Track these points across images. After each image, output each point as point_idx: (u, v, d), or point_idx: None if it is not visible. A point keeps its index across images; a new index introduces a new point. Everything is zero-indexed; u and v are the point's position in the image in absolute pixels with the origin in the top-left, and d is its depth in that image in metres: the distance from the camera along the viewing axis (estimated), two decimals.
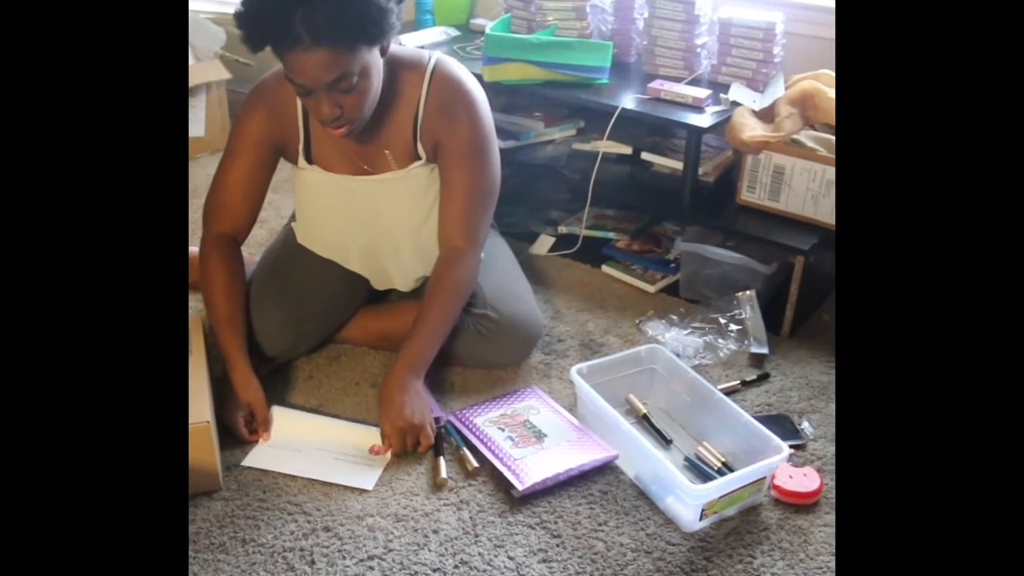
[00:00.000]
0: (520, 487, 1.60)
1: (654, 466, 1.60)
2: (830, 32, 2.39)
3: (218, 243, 1.84)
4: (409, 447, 1.69)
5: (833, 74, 2.25)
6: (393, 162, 1.82)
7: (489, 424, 1.76)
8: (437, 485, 1.64)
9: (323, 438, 1.74)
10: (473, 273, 1.85)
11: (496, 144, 1.84)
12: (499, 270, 2.01)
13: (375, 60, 1.62)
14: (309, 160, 1.84)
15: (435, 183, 1.85)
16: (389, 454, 1.70)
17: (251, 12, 1.52)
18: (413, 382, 1.74)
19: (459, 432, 1.75)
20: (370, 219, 1.88)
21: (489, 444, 1.70)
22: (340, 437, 1.75)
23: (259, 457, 1.69)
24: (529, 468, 1.63)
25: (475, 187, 1.81)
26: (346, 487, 1.63)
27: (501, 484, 1.64)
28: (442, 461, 1.67)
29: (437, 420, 1.76)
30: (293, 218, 2.03)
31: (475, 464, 1.67)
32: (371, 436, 1.74)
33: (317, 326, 1.94)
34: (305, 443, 1.72)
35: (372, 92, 1.64)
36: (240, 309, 1.83)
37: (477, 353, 1.92)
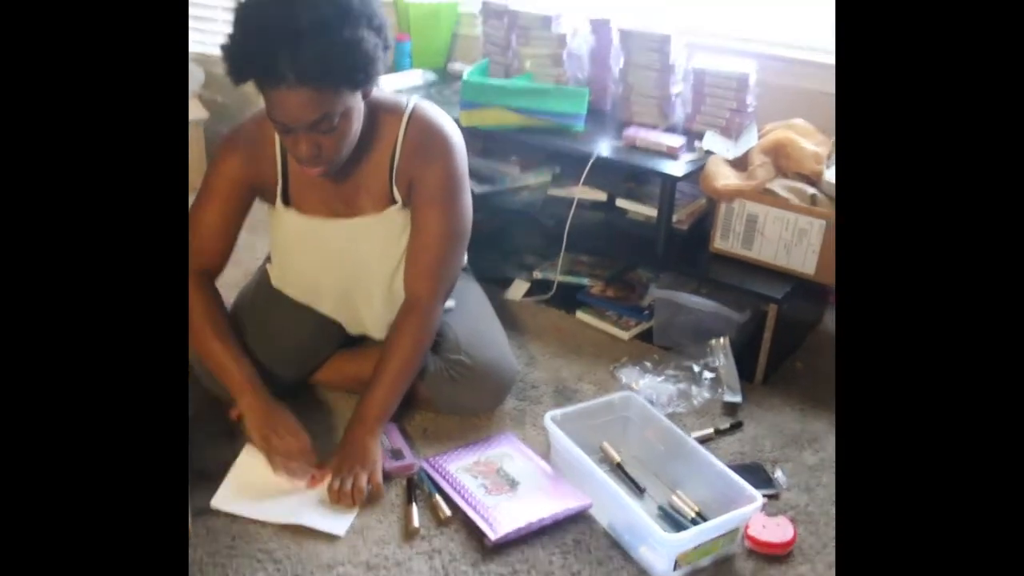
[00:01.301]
0: (493, 536, 1.59)
1: (627, 515, 1.59)
2: (803, 82, 2.43)
3: (195, 279, 1.82)
4: (344, 481, 1.66)
5: (806, 123, 2.28)
6: (369, 205, 1.82)
7: (462, 471, 1.75)
8: (409, 533, 1.62)
9: (294, 482, 1.72)
10: (434, 324, 1.84)
11: (468, 189, 1.84)
12: (473, 315, 2.01)
13: (357, 103, 1.62)
14: (286, 202, 1.83)
15: (409, 228, 1.85)
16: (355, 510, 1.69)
17: (239, 47, 1.52)
18: (368, 440, 1.73)
19: (432, 479, 1.74)
20: (345, 263, 1.87)
21: (462, 492, 1.69)
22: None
23: (228, 500, 1.67)
24: (502, 516, 1.62)
25: (444, 232, 1.81)
26: (317, 535, 1.61)
27: (474, 533, 1.62)
28: (414, 509, 1.66)
29: (410, 467, 1.75)
30: (268, 259, 2.02)
31: (447, 512, 1.66)
32: None
33: (291, 369, 1.92)
34: (276, 487, 1.70)
35: (351, 134, 1.64)
36: (237, 341, 1.81)
37: (450, 398, 1.91)
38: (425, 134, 1.77)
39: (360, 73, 1.54)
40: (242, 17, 1.53)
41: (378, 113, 1.75)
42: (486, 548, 1.59)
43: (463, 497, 1.68)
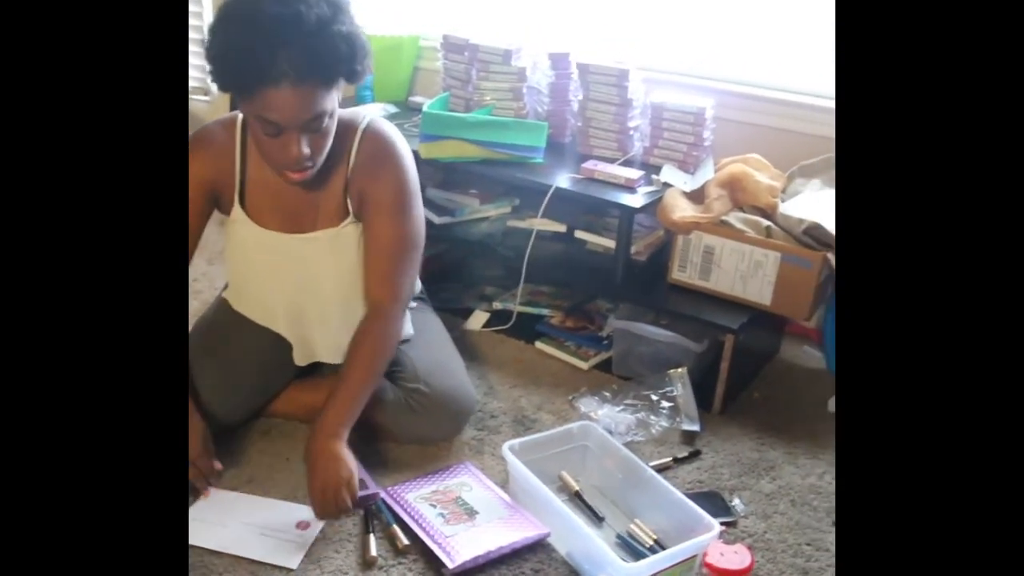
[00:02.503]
0: (451, 565, 1.58)
1: (586, 544, 1.59)
2: (758, 118, 2.48)
3: None
4: (331, 506, 1.64)
5: (760, 158, 2.32)
6: (324, 221, 1.82)
7: (421, 500, 1.74)
8: (367, 563, 1.61)
9: (249, 514, 1.70)
10: (397, 330, 1.83)
11: (420, 202, 1.84)
12: (431, 344, 2.01)
13: (336, 103, 1.64)
14: (243, 207, 1.81)
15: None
16: (317, 530, 1.67)
17: (231, 49, 1.52)
18: (333, 445, 1.69)
19: (390, 509, 1.73)
20: (299, 279, 1.86)
21: (420, 521, 1.68)
22: (266, 514, 1.71)
23: None
24: (460, 546, 1.61)
25: (399, 238, 1.80)
26: (273, 566, 1.59)
27: (432, 562, 1.61)
28: (372, 539, 1.65)
29: (370, 497, 1.74)
30: (225, 287, 2.01)
31: (405, 542, 1.65)
32: (298, 513, 1.71)
33: (249, 394, 1.91)
34: (230, 519, 1.69)
35: (332, 135, 1.66)
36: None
37: (409, 428, 1.91)
38: (376, 147, 1.79)
39: (358, 65, 1.59)
40: (231, 19, 1.53)
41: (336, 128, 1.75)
42: None
43: (421, 526, 1.67)
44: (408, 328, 1.97)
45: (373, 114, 1.84)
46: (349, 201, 1.80)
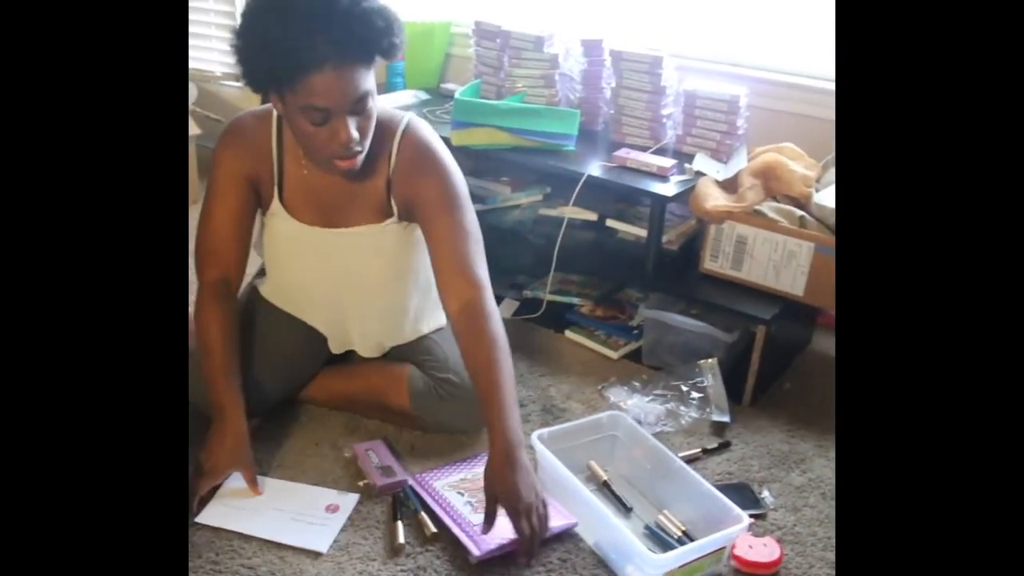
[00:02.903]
0: (477, 552, 1.58)
1: (614, 534, 1.59)
2: (792, 106, 2.45)
3: (213, 292, 1.79)
4: (527, 529, 1.52)
5: (794, 147, 2.30)
6: (364, 216, 1.81)
7: (448, 488, 1.74)
8: (394, 550, 1.61)
9: (279, 498, 1.72)
10: (498, 314, 1.74)
11: (470, 201, 1.82)
12: None
13: (375, 85, 1.64)
14: (281, 201, 1.81)
15: (407, 243, 1.85)
16: (346, 514, 1.68)
17: (269, 42, 1.52)
18: (521, 456, 1.58)
19: (418, 496, 1.73)
20: (338, 274, 1.87)
21: (447, 509, 1.69)
22: (296, 498, 1.73)
23: (213, 515, 1.66)
24: (487, 534, 1.61)
25: (463, 229, 1.77)
26: (302, 551, 1.60)
27: (459, 550, 1.62)
28: (400, 526, 1.65)
29: (402, 483, 1.74)
30: (257, 275, 2.02)
31: (433, 529, 1.65)
32: (327, 497, 1.73)
33: (277, 382, 1.92)
34: (260, 503, 1.70)
35: (375, 117, 1.66)
36: (237, 360, 1.78)
37: (438, 417, 1.91)
38: (416, 153, 1.77)
39: (396, 38, 1.59)
40: (262, 14, 1.53)
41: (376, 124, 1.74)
42: (471, 566, 1.59)
43: (448, 514, 1.67)
44: (441, 318, 1.97)
45: (410, 115, 1.83)
46: (393, 202, 1.80)
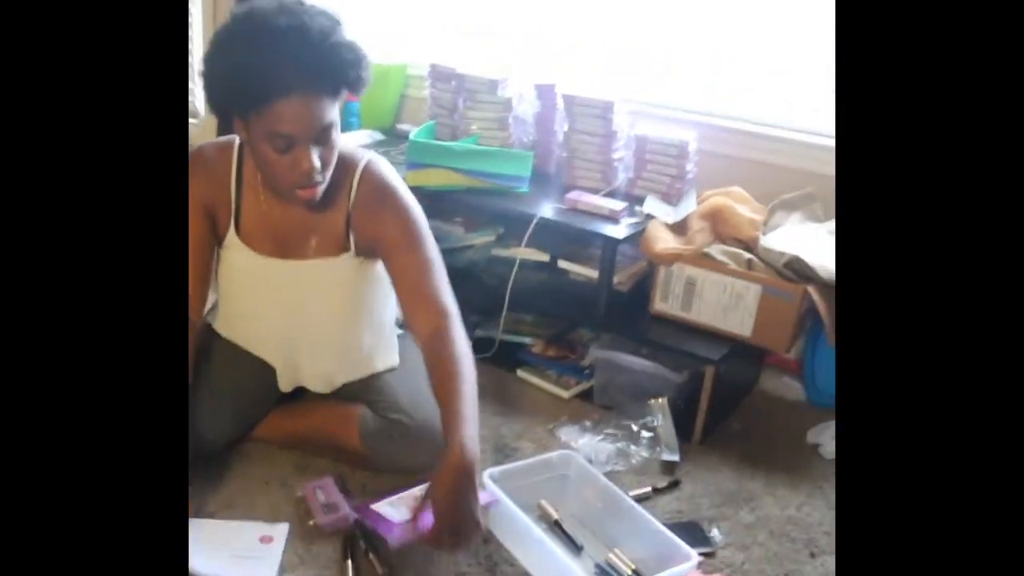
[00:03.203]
0: (392, 532, 1.58)
1: (565, 573, 1.59)
2: (740, 151, 2.51)
3: None
4: (447, 545, 1.53)
5: (742, 191, 2.35)
6: (321, 249, 1.82)
7: (383, 505, 1.69)
8: None
9: (211, 539, 1.69)
10: (466, 339, 1.75)
11: (431, 237, 1.83)
12: (414, 374, 2.00)
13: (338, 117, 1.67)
14: (238, 233, 1.82)
15: (362, 279, 1.86)
16: (282, 543, 1.67)
17: (239, 66, 1.53)
18: (475, 475, 1.55)
19: (367, 533, 1.72)
20: (292, 307, 1.87)
21: (368, 512, 1.66)
22: (228, 535, 1.71)
23: None
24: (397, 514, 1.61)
25: (426, 262, 1.78)
26: None
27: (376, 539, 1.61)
28: (349, 565, 1.64)
29: (344, 519, 1.74)
30: (209, 311, 2.01)
31: (382, 571, 1.64)
32: (258, 530, 1.72)
33: (229, 423, 1.90)
34: (195, 545, 1.67)
35: (337, 149, 1.69)
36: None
37: (389, 456, 1.90)
38: (377, 190, 1.79)
39: (363, 72, 1.63)
40: (233, 38, 1.55)
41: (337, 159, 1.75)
42: None
43: (367, 516, 1.66)
44: (394, 358, 1.97)
45: (371, 153, 1.85)
46: (352, 237, 1.82)
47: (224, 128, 1.68)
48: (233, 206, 1.80)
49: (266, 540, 1.69)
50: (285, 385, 1.96)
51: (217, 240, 1.84)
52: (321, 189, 1.68)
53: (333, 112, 1.62)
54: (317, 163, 1.62)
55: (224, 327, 1.95)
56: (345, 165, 1.77)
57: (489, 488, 1.73)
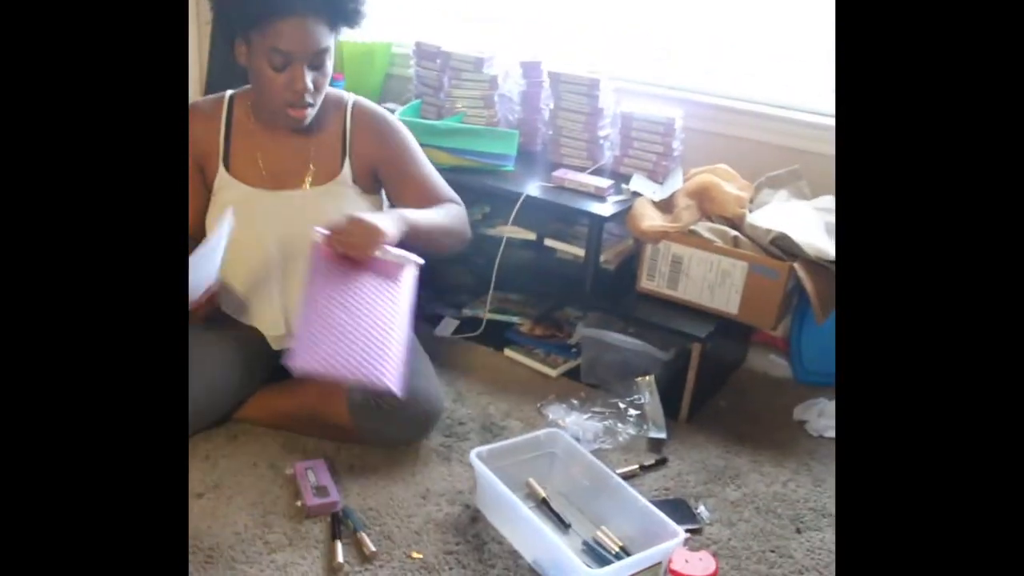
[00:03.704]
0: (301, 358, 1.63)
1: (552, 551, 1.60)
2: (726, 128, 2.51)
3: None
4: (348, 239, 1.73)
5: (728, 168, 2.34)
6: (318, 178, 1.95)
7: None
8: (333, 570, 1.61)
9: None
10: (466, 219, 2.05)
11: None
12: None
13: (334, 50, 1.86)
14: (228, 171, 1.92)
15: (355, 208, 1.89)
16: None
17: None
18: (389, 219, 1.80)
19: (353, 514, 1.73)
20: (285, 237, 1.91)
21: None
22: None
23: None
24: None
25: (429, 170, 2.05)
26: (238, 570, 1.58)
27: (399, 570, 1.62)
28: (339, 545, 1.65)
29: (334, 504, 1.74)
30: None
31: (372, 548, 1.65)
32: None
33: (219, 396, 1.91)
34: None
35: (329, 77, 1.87)
36: None
37: (376, 429, 1.91)
38: (371, 119, 2.00)
39: (361, 6, 1.84)
40: None
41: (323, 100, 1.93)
42: None
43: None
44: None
45: (355, 95, 2.04)
46: (348, 165, 1.97)
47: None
48: (222, 149, 1.93)
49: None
50: (276, 341, 1.97)
51: (208, 189, 1.94)
52: (310, 113, 1.86)
53: (329, 39, 1.80)
54: (310, 85, 1.80)
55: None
56: (335, 100, 1.98)
57: (475, 464, 1.73)
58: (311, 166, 1.94)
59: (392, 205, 2.06)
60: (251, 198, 1.90)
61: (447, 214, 1.99)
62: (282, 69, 1.78)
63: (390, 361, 1.68)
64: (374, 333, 1.69)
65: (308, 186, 1.94)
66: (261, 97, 1.87)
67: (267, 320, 1.96)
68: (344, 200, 1.94)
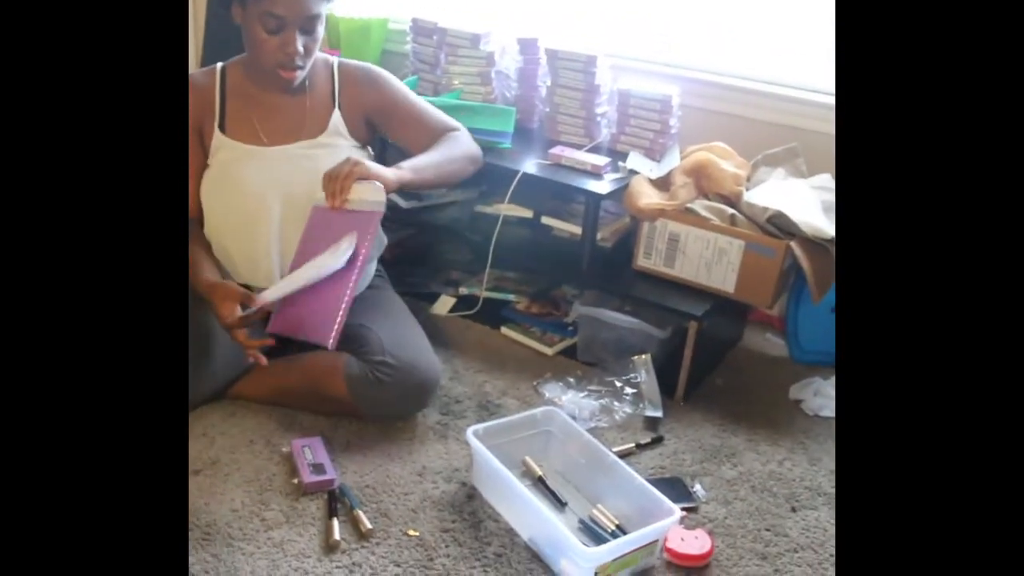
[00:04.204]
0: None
1: (548, 529, 1.60)
2: (724, 106, 2.50)
3: (191, 230, 1.97)
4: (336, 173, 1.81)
5: (725, 146, 2.33)
6: (310, 134, 2.00)
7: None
8: (330, 547, 1.61)
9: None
10: (470, 141, 2.11)
11: None
12: (394, 319, 2.03)
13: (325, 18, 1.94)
14: (224, 133, 1.97)
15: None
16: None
17: None
18: (386, 170, 1.85)
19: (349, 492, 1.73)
20: (283, 193, 1.94)
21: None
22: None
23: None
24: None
25: (423, 105, 2.13)
26: (234, 548, 1.59)
27: (396, 547, 1.62)
28: (335, 522, 1.65)
29: (330, 482, 1.74)
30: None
31: (368, 526, 1.65)
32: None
33: (217, 370, 1.92)
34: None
35: (319, 43, 1.94)
36: (213, 266, 1.92)
37: (375, 401, 1.91)
38: (358, 72, 2.09)
39: None
40: None
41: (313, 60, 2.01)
42: (406, 561, 1.59)
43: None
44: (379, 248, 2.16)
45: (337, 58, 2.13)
46: (343, 119, 2.04)
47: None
48: (218, 113, 1.98)
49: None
50: (253, 275, 1.98)
51: (205, 153, 1.97)
52: (300, 75, 1.93)
53: (320, 6, 1.87)
54: (301, 48, 1.87)
55: (214, 242, 1.99)
56: (323, 61, 2.06)
57: (472, 442, 1.74)
58: (305, 122, 2.00)
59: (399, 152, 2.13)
60: (247, 155, 1.95)
61: (447, 146, 2.04)
62: (276, 32, 1.85)
63: (337, 324, 1.77)
64: (331, 297, 1.79)
65: (300, 140, 1.99)
66: (254, 58, 1.93)
67: (261, 275, 1.97)
68: (338, 151, 1.99)
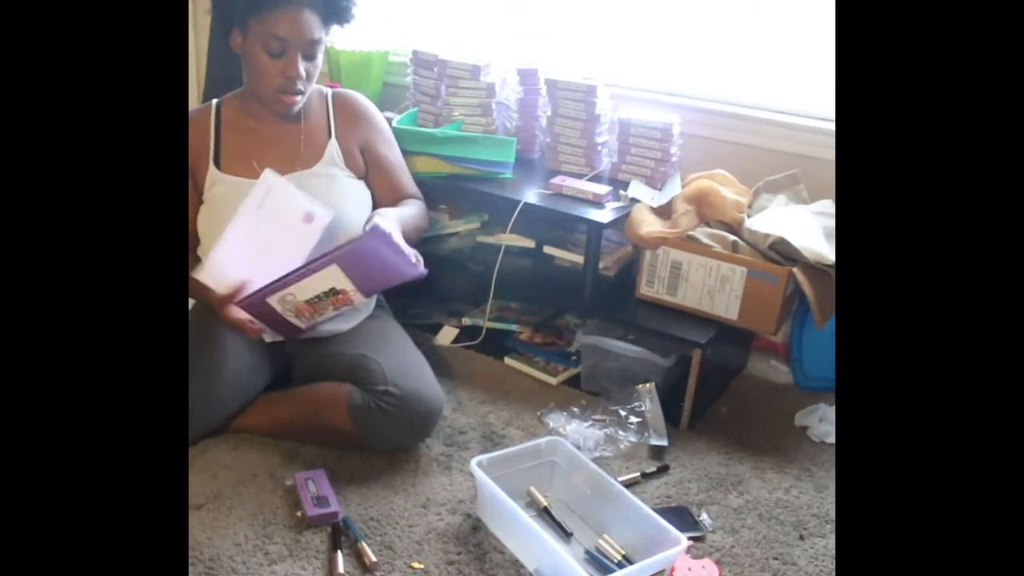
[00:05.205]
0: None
1: (554, 559, 1.59)
2: (724, 133, 2.50)
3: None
4: None
5: (726, 173, 2.34)
6: (304, 163, 2.02)
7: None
8: None
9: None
10: (427, 214, 2.19)
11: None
12: (397, 349, 2.03)
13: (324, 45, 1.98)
14: (219, 168, 1.98)
15: (347, 192, 2.04)
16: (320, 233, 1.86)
17: None
18: (385, 218, 1.89)
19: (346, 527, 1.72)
20: None
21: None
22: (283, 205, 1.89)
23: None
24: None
25: (402, 160, 2.21)
26: (238, 568, 1.58)
27: None
28: (339, 555, 1.64)
29: (334, 515, 1.73)
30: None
31: (373, 559, 1.64)
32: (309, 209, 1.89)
33: (220, 403, 1.91)
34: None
35: (319, 69, 1.98)
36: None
37: (378, 431, 1.90)
38: (353, 101, 2.14)
39: (352, 5, 1.97)
40: None
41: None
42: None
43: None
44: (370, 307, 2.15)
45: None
46: (337, 149, 2.06)
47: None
48: (212, 149, 1.99)
49: (308, 219, 1.87)
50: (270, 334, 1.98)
51: (199, 192, 1.98)
52: (300, 100, 1.97)
53: (322, 32, 1.92)
54: (303, 72, 1.91)
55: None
56: (317, 91, 2.10)
57: (476, 473, 1.72)
58: (301, 152, 2.02)
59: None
60: (243, 188, 1.92)
61: (417, 213, 2.12)
62: (279, 55, 1.89)
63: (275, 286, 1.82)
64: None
65: (296, 170, 1.99)
66: (255, 84, 1.95)
67: None
68: (334, 181, 2.02)
